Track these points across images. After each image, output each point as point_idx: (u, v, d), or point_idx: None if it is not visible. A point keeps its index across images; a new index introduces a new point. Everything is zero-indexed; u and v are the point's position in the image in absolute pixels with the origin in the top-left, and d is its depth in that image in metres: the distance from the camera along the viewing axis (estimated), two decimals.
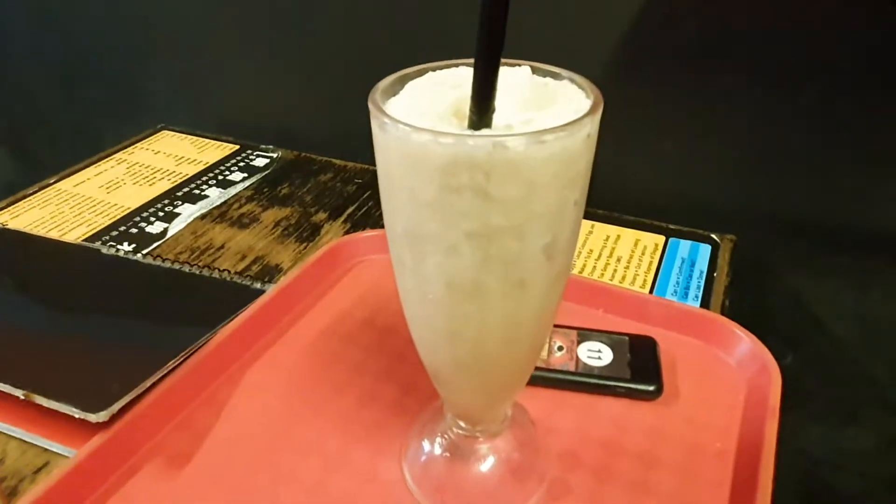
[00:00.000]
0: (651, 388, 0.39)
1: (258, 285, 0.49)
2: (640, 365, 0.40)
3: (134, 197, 0.64)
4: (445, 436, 0.34)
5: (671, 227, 0.58)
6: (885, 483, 0.69)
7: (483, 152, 0.22)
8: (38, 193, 0.65)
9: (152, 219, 0.60)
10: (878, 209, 0.57)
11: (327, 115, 0.75)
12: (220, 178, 0.67)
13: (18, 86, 0.99)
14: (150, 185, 0.66)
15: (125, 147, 0.74)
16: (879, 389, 0.65)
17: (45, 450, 0.37)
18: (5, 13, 0.93)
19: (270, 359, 0.43)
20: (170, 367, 0.38)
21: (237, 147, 0.74)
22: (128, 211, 0.61)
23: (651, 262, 0.54)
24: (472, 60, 0.23)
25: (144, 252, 0.55)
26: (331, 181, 0.67)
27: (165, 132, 0.77)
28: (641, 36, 0.57)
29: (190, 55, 0.82)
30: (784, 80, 0.55)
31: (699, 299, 0.50)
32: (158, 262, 0.51)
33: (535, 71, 0.27)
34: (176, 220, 0.60)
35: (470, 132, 0.23)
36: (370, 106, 0.25)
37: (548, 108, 0.25)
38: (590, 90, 0.26)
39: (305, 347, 0.43)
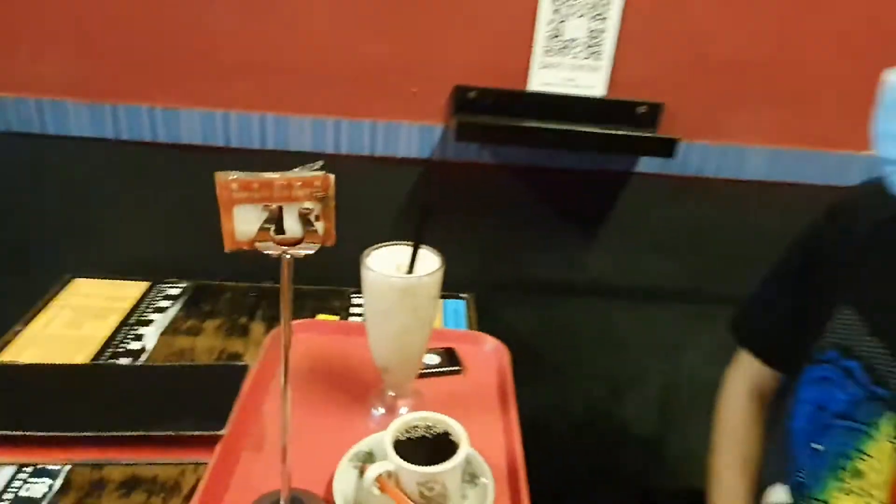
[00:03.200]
0: (459, 368, 0.87)
1: (240, 363, 0.85)
2: (453, 361, 0.88)
3: (99, 328, 0.91)
4: (384, 399, 0.77)
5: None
6: (583, 427, 1.28)
7: (413, 282, 0.68)
8: (17, 339, 0.87)
9: (127, 340, 0.89)
10: (545, 266, 1.16)
11: (214, 247, 1.10)
12: (153, 305, 0.98)
13: None
14: (104, 319, 0.94)
15: (53, 297, 0.98)
16: (573, 368, 1.24)
17: (180, 463, 0.69)
18: None
19: (275, 390, 0.80)
20: (238, 403, 0.74)
21: (149, 283, 1.04)
22: (104, 339, 0.89)
23: (437, 311, 1.03)
24: (395, 243, 0.69)
25: (142, 362, 0.85)
26: (234, 296, 1.02)
27: (78, 280, 1.03)
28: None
29: (83, 208, 1.07)
30: (491, 206, 1.11)
31: (466, 327, 1.00)
32: (165, 363, 0.83)
33: (420, 247, 0.74)
34: (145, 339, 0.90)
35: (407, 276, 0.69)
36: (362, 261, 0.69)
37: (426, 263, 0.72)
38: (437, 254, 0.73)
39: (295, 382, 0.81)
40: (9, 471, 0.67)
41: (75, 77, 0.95)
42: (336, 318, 0.99)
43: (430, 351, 0.89)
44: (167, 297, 1.01)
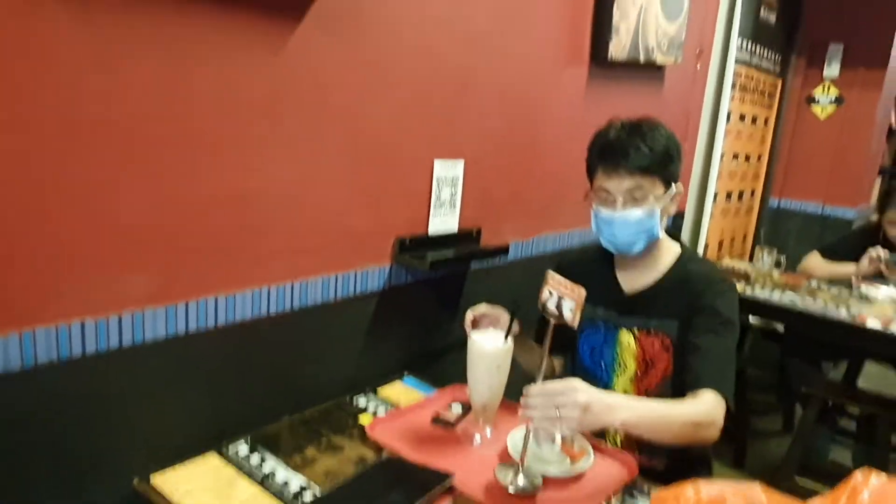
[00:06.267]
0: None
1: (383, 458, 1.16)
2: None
3: (245, 491, 1.05)
4: (476, 431, 1.26)
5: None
6: None
7: (503, 349, 1.23)
8: None
9: (282, 486, 1.07)
10: (442, 337, 1.70)
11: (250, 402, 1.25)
12: (250, 464, 1.13)
13: None
14: (234, 487, 1.06)
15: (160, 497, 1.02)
16: None
17: None
18: None
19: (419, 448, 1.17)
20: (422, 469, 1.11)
21: (216, 451, 1.14)
22: (260, 495, 1.05)
23: None
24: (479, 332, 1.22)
25: (322, 492, 1.07)
26: (292, 427, 1.24)
27: (157, 475, 1.06)
28: None
29: (145, 408, 1.08)
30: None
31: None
32: (351, 477, 1.08)
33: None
34: (293, 482, 1.09)
35: (506, 344, 1.23)
36: (467, 329, 1.20)
37: (497, 337, 1.26)
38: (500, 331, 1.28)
39: (409, 453, 1.19)
40: None
41: (154, 286, 1.05)
42: (372, 416, 1.33)
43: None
44: (248, 455, 1.16)
